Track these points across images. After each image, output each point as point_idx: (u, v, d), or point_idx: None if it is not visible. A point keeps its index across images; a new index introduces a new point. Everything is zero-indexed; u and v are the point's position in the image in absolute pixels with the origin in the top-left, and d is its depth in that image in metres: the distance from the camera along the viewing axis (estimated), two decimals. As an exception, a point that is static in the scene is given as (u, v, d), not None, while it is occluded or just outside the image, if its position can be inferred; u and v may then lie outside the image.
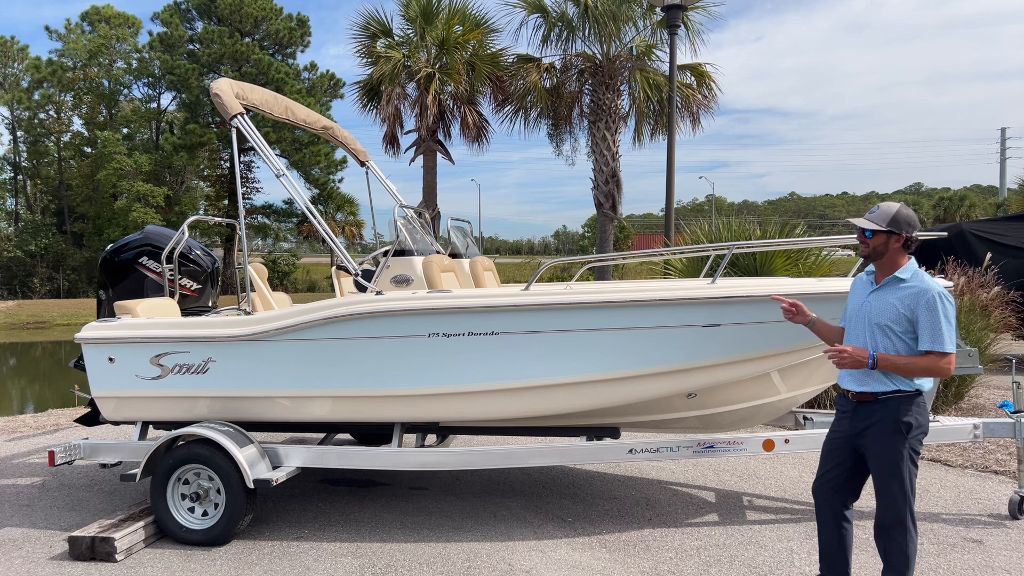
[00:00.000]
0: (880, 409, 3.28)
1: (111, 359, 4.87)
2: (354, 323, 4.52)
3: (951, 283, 4.82)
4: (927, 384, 3.30)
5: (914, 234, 3.29)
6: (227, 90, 5.04)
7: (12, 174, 41.31)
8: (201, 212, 38.22)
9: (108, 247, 5.92)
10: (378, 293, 4.63)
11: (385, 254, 4.99)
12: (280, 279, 39.33)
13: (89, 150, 39.25)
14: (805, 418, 5.33)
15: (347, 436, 6.33)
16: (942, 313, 3.17)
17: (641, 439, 4.68)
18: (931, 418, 4.83)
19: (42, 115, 40.11)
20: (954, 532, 4.60)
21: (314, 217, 4.92)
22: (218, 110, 5.05)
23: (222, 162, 39.08)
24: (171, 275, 5.62)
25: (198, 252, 5.93)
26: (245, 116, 5.06)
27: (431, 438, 5.72)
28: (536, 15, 16.68)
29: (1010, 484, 5.49)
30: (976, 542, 4.44)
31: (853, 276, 4.68)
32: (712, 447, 4.68)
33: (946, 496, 5.29)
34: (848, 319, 3.46)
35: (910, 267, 3.31)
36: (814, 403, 7.19)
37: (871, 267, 3.44)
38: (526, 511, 5.09)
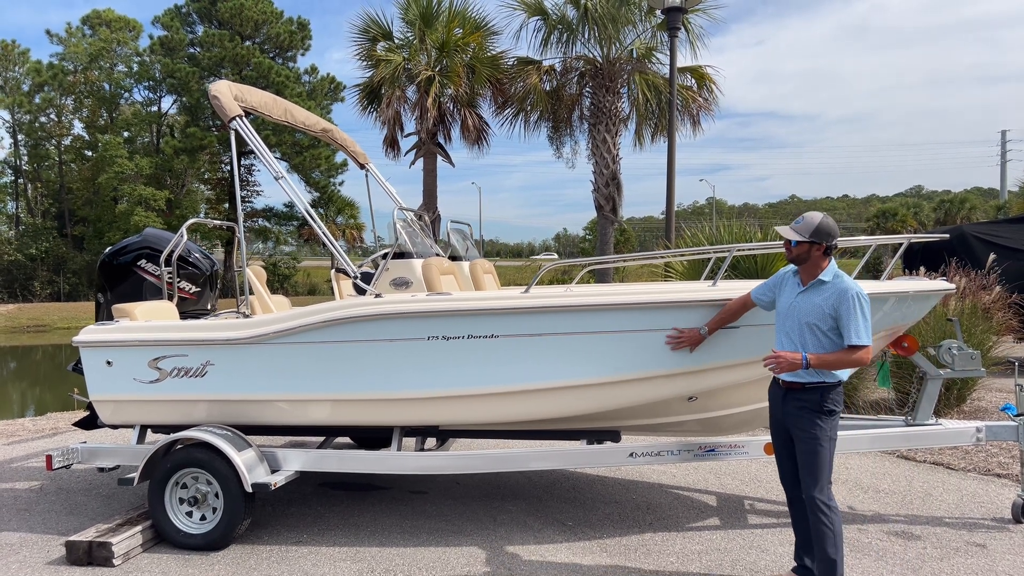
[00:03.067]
0: (806, 396, 3.64)
1: (109, 362, 4.85)
2: (353, 326, 4.49)
3: (951, 286, 4.79)
4: (845, 375, 3.68)
5: (833, 243, 3.64)
6: (226, 92, 5.02)
7: (13, 177, 41.36)
8: (202, 215, 38.25)
9: (107, 250, 5.90)
10: (377, 296, 4.61)
11: (384, 257, 4.97)
12: (280, 282, 39.32)
13: (90, 153, 39.30)
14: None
15: (347, 440, 6.30)
16: (859, 310, 3.52)
17: (642, 443, 4.65)
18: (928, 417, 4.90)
19: (43, 119, 40.19)
20: (957, 536, 4.57)
21: (312, 219, 4.90)
22: (217, 113, 5.04)
23: (223, 165, 39.12)
24: (170, 278, 5.60)
25: (197, 255, 5.91)
26: (244, 118, 5.05)
27: (431, 442, 5.69)
28: (536, 18, 16.69)
29: (1013, 488, 5.46)
30: (979, 546, 4.40)
31: (854, 279, 4.67)
32: (713, 451, 4.65)
33: (949, 500, 5.26)
34: (779, 316, 3.81)
35: (830, 270, 3.65)
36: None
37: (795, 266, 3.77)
38: (526, 515, 5.07)
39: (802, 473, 3.65)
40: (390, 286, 5.28)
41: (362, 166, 6.74)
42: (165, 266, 5.55)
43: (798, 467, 3.69)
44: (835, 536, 3.55)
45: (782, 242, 3.77)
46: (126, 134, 38.59)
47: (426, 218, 6.97)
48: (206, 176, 40.25)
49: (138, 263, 5.63)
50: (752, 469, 6.08)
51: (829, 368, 3.57)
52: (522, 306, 4.37)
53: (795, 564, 3.91)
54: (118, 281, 5.69)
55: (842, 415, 5.71)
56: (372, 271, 4.99)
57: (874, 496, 5.37)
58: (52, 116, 40.39)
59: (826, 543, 3.54)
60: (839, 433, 4.80)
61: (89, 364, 4.91)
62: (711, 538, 4.60)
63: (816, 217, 3.65)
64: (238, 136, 5.04)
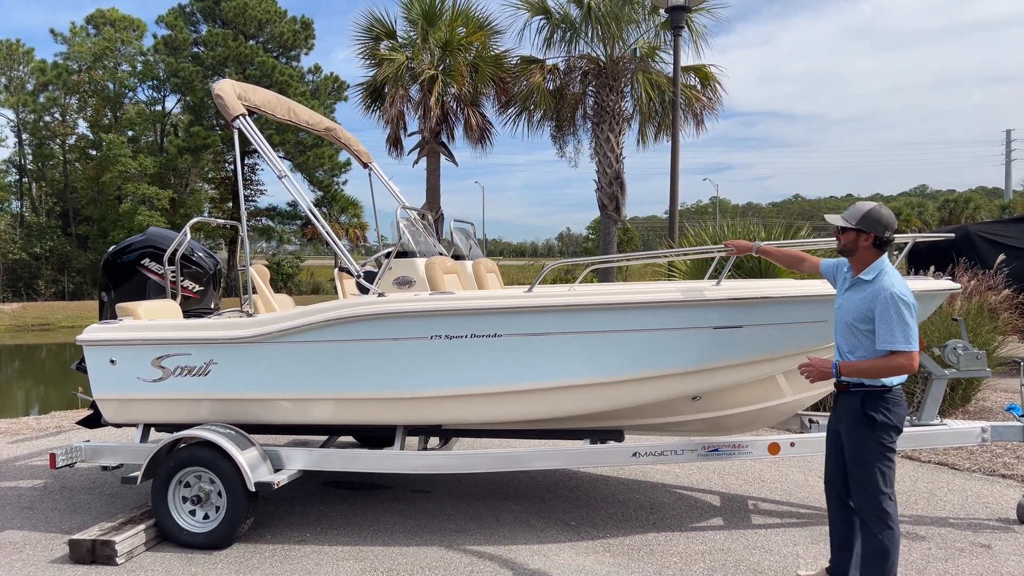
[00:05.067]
0: (851, 399, 3.39)
1: (113, 361, 4.85)
2: (356, 325, 4.49)
3: (957, 286, 4.77)
4: (895, 380, 3.34)
5: (885, 234, 3.33)
6: (229, 91, 5.02)
7: (17, 177, 41.46)
8: (206, 214, 38.32)
9: (110, 249, 5.91)
10: (380, 295, 4.60)
11: (388, 256, 4.97)
12: (284, 281, 39.37)
13: (94, 153, 39.38)
14: (811, 421, 5.28)
15: (350, 439, 6.30)
16: (895, 313, 3.21)
17: (645, 442, 4.64)
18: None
19: (47, 118, 40.27)
20: (962, 537, 4.54)
21: (316, 218, 4.90)
22: (220, 111, 5.03)
23: (226, 164, 39.18)
24: (173, 277, 5.60)
25: (200, 254, 5.91)
26: (247, 117, 5.05)
27: (434, 441, 5.69)
28: (539, 17, 16.65)
29: (1018, 488, 5.43)
30: (984, 547, 4.38)
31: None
32: (717, 450, 4.64)
33: (954, 500, 5.24)
34: (835, 312, 3.56)
35: (876, 267, 3.35)
36: (820, 406, 7.13)
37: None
38: (529, 515, 5.06)
39: (851, 486, 3.43)
40: (393, 285, 5.27)
41: (365, 165, 6.74)
42: (168, 265, 5.56)
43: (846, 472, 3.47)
44: (888, 551, 3.27)
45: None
46: (130, 133, 38.66)
47: (429, 217, 6.96)
48: (210, 175, 40.32)
49: (142, 262, 5.64)
50: (756, 469, 6.06)
51: (864, 376, 3.31)
52: (525, 305, 4.36)
53: (827, 565, 3.74)
54: (122, 280, 5.69)
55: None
56: (375, 270, 4.98)
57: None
58: (56, 115, 40.48)
59: (882, 562, 3.28)
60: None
61: (93, 363, 4.91)
62: (714, 538, 4.58)
63: (867, 205, 3.34)
64: (241, 135, 5.04)
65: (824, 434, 4.76)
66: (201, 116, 36.84)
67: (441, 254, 5.95)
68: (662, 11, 14.39)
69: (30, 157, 40.96)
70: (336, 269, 5.95)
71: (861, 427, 3.34)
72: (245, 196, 40.21)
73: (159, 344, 4.77)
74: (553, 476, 5.95)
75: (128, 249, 5.74)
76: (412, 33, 17.92)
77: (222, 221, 6.51)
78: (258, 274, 5.62)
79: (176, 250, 5.57)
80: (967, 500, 5.24)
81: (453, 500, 5.39)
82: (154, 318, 5.08)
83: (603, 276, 15.86)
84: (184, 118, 38.98)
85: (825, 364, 3.35)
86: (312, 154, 37.38)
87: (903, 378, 3.38)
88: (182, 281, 5.69)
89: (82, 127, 41.32)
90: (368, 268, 5.32)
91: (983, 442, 4.86)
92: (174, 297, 5.58)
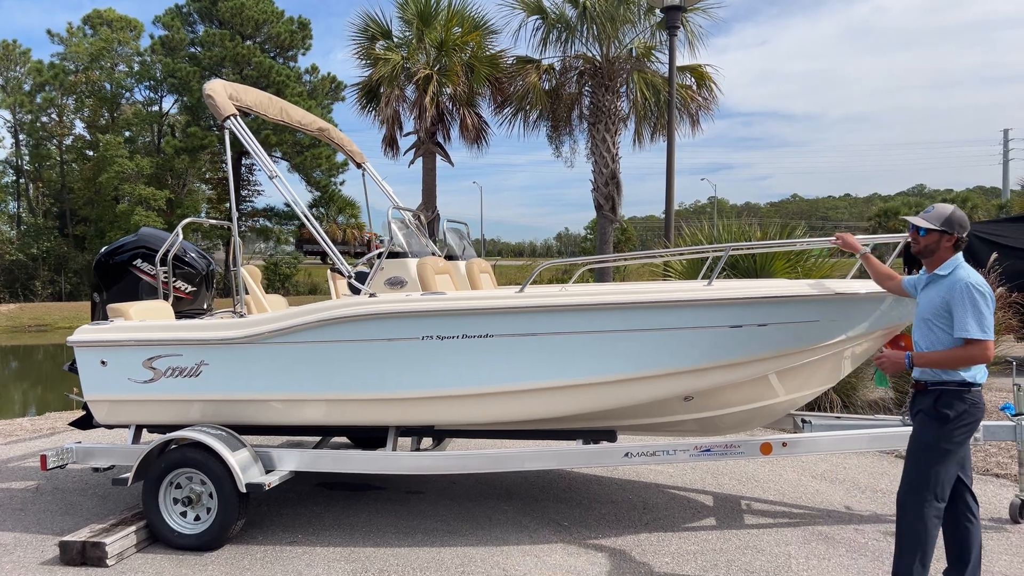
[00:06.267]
0: (927, 397, 3.41)
1: (103, 362, 4.84)
2: (347, 326, 4.48)
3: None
4: (976, 376, 3.36)
5: (964, 235, 3.44)
6: (220, 91, 5.01)
7: (14, 177, 41.41)
8: (203, 215, 38.28)
9: (102, 249, 5.89)
10: (371, 295, 4.59)
11: (379, 256, 4.96)
12: (282, 282, 39.31)
13: (91, 153, 39.34)
14: (804, 421, 5.28)
15: (345, 440, 6.29)
16: (969, 302, 3.26)
17: (637, 443, 4.63)
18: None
19: (44, 118, 40.21)
20: (954, 536, 4.53)
21: (307, 218, 4.90)
22: (211, 112, 5.02)
23: (223, 165, 39.10)
24: (165, 277, 5.58)
25: (193, 255, 5.89)
26: (238, 118, 5.04)
27: (427, 441, 5.68)
28: (535, 17, 16.64)
29: (1011, 488, 5.43)
30: (976, 546, 4.38)
31: (852, 278, 4.64)
32: (709, 451, 4.63)
33: (946, 500, 5.23)
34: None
35: (951, 263, 3.42)
36: (813, 406, 7.14)
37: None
38: (522, 515, 5.05)
39: (903, 472, 3.43)
40: (384, 286, 5.27)
41: (359, 165, 6.73)
42: (161, 265, 5.54)
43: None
44: (922, 540, 3.29)
45: (906, 235, 3.55)
46: (127, 134, 38.64)
47: (422, 217, 6.96)
48: (207, 176, 40.30)
49: (134, 262, 5.62)
50: (750, 469, 6.06)
51: (937, 367, 3.32)
52: (516, 306, 4.35)
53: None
54: (114, 281, 5.67)
55: (840, 415, 5.70)
56: (367, 271, 4.98)
57: (871, 496, 5.35)
58: (53, 116, 40.42)
59: (915, 550, 3.30)
60: (838, 433, 4.81)
61: (84, 364, 4.90)
62: (707, 538, 4.58)
63: (948, 208, 3.44)
64: (233, 135, 5.02)
65: (816, 436, 4.82)
66: (198, 116, 36.79)
67: (435, 254, 5.94)
68: (657, 11, 14.39)
69: (27, 158, 40.90)
70: (329, 270, 5.94)
71: (932, 422, 3.35)
72: (243, 196, 40.35)
73: (150, 345, 4.76)
74: (547, 476, 5.94)
75: (120, 250, 5.73)
76: (407, 33, 17.92)
77: (215, 221, 6.50)
78: (249, 275, 5.60)
79: (168, 251, 5.56)
80: (960, 499, 5.23)
81: (446, 501, 5.38)
82: (145, 319, 5.07)
83: (599, 276, 15.86)
84: (181, 118, 38.93)
85: (899, 355, 3.40)
86: (309, 154, 37.36)
87: (984, 376, 3.40)
88: (174, 282, 5.68)
89: (79, 128, 41.33)
90: (360, 269, 5.31)
91: (975, 442, 4.84)
92: (166, 298, 5.56)
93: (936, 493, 3.36)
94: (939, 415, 3.33)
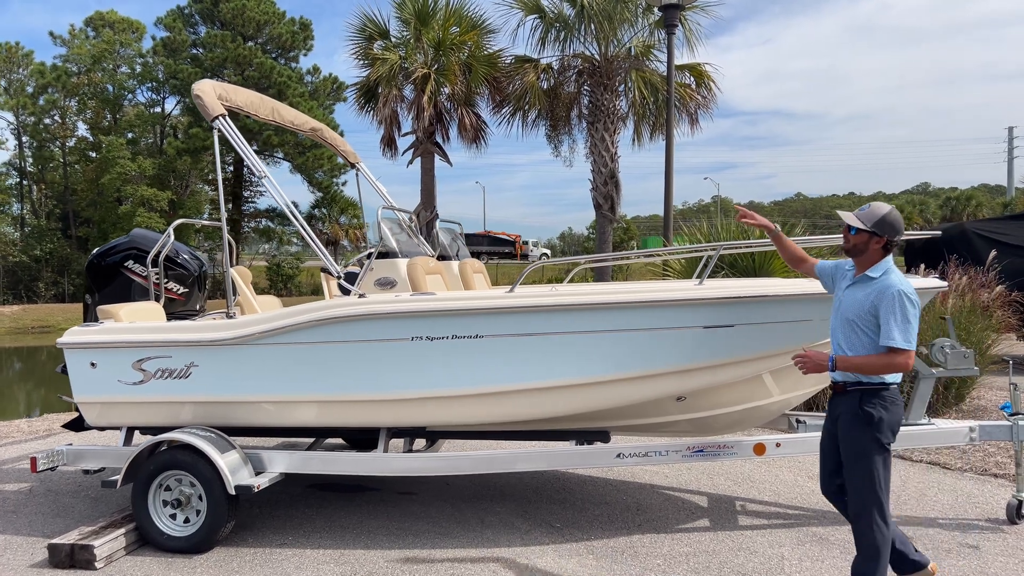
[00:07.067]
0: (848, 399, 3.38)
1: (93, 364, 4.82)
2: (336, 326, 4.45)
3: (944, 284, 4.72)
4: (892, 377, 3.33)
5: (896, 238, 3.37)
6: (209, 91, 4.98)
7: (17, 179, 41.54)
8: (205, 216, 38.34)
9: (94, 251, 5.88)
10: (361, 296, 4.57)
11: (368, 256, 4.93)
12: (284, 282, 39.37)
13: (93, 155, 39.45)
14: (798, 421, 5.23)
15: (339, 441, 6.26)
16: (899, 310, 3.22)
17: (630, 443, 4.60)
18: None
19: (47, 120, 40.36)
20: (950, 537, 4.50)
21: (295, 218, 4.87)
22: (200, 112, 5.00)
23: (226, 166, 39.20)
24: (157, 279, 5.56)
25: (185, 256, 5.87)
26: (227, 118, 5.01)
27: (420, 442, 5.65)
28: (533, 16, 16.61)
29: (1009, 488, 5.37)
30: (972, 548, 4.33)
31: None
32: (702, 451, 4.59)
33: (943, 500, 5.19)
34: (832, 310, 3.55)
35: (882, 266, 3.37)
36: (808, 405, 7.09)
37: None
38: (514, 516, 5.02)
39: (847, 486, 3.40)
40: (375, 286, 5.23)
41: (353, 165, 6.70)
42: (152, 267, 5.52)
43: (844, 478, 3.43)
44: (879, 551, 3.26)
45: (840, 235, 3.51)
46: (129, 135, 38.73)
47: (415, 217, 6.92)
48: (210, 176, 40.31)
49: (125, 264, 5.60)
50: (745, 469, 6.02)
51: (859, 372, 3.31)
52: (506, 306, 4.32)
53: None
54: (106, 282, 5.66)
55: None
56: (358, 271, 4.95)
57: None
58: (56, 118, 40.56)
59: (875, 562, 3.27)
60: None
61: (74, 366, 4.88)
62: (700, 540, 4.54)
63: (883, 208, 3.37)
64: (222, 136, 5.00)
65: (811, 436, 4.77)
66: (200, 118, 36.70)
67: (429, 255, 5.91)
68: (656, 9, 14.34)
69: (30, 160, 41.06)
70: (322, 270, 5.91)
71: (859, 424, 3.32)
72: (245, 197, 40.36)
73: (139, 347, 4.74)
74: (540, 477, 5.91)
75: (112, 251, 5.71)
76: (405, 33, 17.91)
77: (207, 222, 6.49)
78: (240, 276, 5.58)
79: (160, 252, 5.54)
80: (957, 500, 5.19)
81: (439, 502, 5.35)
82: (136, 320, 5.04)
83: (598, 275, 15.83)
84: (183, 120, 39.02)
85: (821, 356, 3.36)
86: (311, 155, 37.39)
87: (899, 377, 3.38)
88: (166, 283, 5.66)
89: (82, 129, 41.46)
90: (351, 269, 5.28)
91: (971, 442, 4.80)
92: (158, 299, 5.54)
93: (882, 497, 3.32)
94: (865, 415, 3.30)
